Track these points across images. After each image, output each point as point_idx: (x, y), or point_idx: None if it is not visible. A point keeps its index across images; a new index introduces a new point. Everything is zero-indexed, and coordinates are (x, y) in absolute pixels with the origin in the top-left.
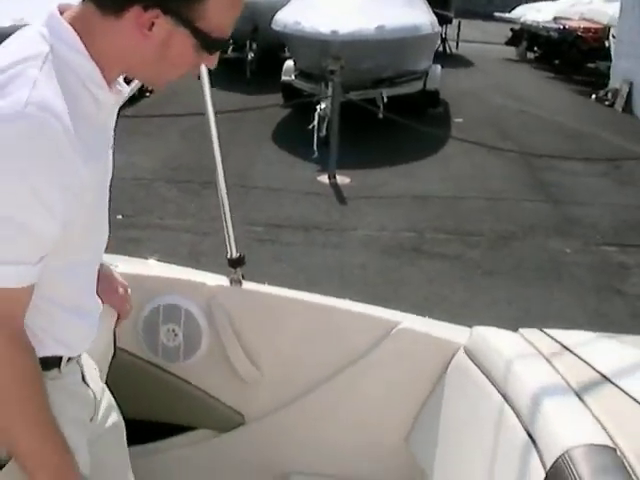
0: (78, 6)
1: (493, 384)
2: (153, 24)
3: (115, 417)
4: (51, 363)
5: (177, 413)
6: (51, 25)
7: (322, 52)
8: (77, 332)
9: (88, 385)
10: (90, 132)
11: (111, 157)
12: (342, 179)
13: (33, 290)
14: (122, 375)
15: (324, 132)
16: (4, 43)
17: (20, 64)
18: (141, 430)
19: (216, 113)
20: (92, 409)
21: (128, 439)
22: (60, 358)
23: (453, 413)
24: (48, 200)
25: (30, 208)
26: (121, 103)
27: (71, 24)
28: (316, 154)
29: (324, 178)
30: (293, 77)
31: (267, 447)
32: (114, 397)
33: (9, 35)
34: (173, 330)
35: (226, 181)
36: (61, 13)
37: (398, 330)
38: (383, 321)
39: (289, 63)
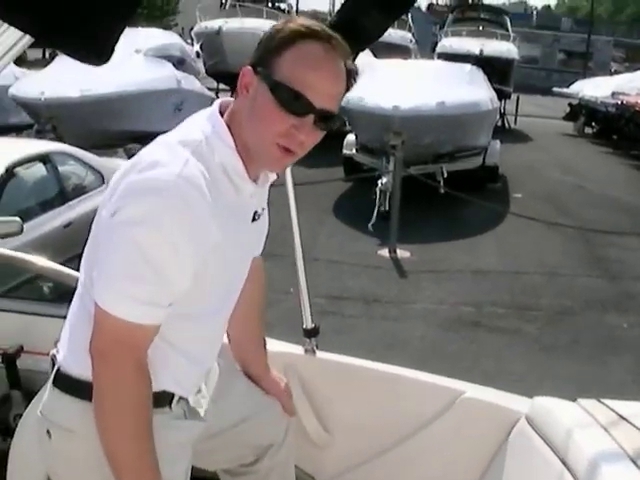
0: (233, 103)
1: (553, 451)
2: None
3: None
4: (164, 399)
5: None
6: (212, 120)
7: (384, 127)
8: (187, 375)
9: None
10: (226, 209)
11: (257, 235)
12: (402, 253)
13: (158, 329)
14: None
15: (385, 206)
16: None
17: (178, 145)
18: None
19: (294, 184)
20: (196, 432)
21: None
22: (172, 395)
23: (515, 479)
24: (184, 256)
25: (169, 261)
26: (265, 188)
27: (227, 121)
28: (376, 228)
29: (384, 252)
30: (354, 151)
31: None
32: None
33: (79, 105)
34: None
35: (303, 254)
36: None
37: (462, 399)
38: (448, 390)
39: (350, 137)
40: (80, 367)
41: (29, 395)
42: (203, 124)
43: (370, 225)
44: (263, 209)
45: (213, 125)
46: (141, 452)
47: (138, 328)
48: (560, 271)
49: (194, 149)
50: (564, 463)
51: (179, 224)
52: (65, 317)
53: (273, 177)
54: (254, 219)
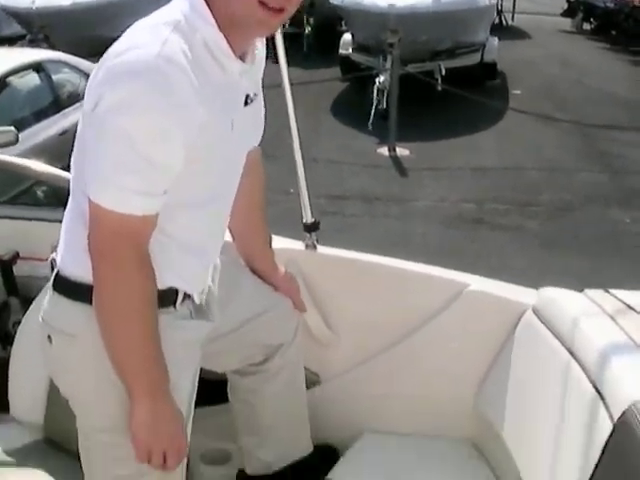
0: None
1: (561, 342)
2: None
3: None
4: (168, 298)
5: None
6: (191, 0)
7: (380, 25)
8: (190, 269)
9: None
10: (212, 88)
11: (252, 121)
12: (402, 151)
13: (157, 220)
14: None
15: (383, 105)
16: None
17: (157, 25)
18: (216, 391)
19: (291, 84)
20: (204, 333)
21: (200, 397)
22: (176, 293)
23: (521, 370)
24: (171, 138)
25: (157, 145)
26: (256, 69)
27: None
28: (374, 127)
29: (384, 150)
30: (351, 50)
31: (342, 406)
32: None
33: (70, 12)
34: None
35: (302, 149)
36: None
37: (468, 291)
38: (453, 283)
39: (347, 37)
40: (79, 269)
41: (27, 301)
42: (181, 5)
43: (370, 124)
44: (256, 94)
45: (192, 4)
46: (147, 352)
47: (135, 219)
48: (560, 166)
49: (174, 28)
50: (572, 353)
51: (161, 105)
52: (62, 221)
53: (261, 56)
54: (246, 103)
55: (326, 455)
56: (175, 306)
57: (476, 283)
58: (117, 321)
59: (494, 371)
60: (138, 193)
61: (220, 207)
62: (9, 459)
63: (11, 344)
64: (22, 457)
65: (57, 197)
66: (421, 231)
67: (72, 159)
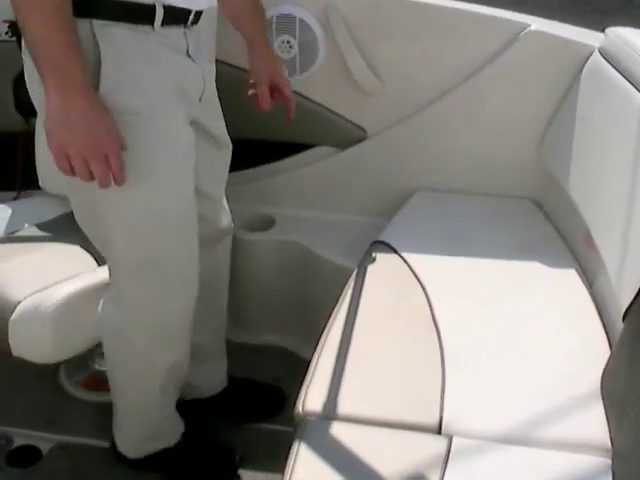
0: None
1: (634, 85)
2: None
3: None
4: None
5: (295, 131)
6: None
7: None
8: None
9: (194, 60)
10: None
11: None
12: None
13: None
14: (231, 89)
15: None
16: None
17: None
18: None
19: None
20: (201, 85)
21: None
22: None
23: (589, 119)
24: None
25: None
26: None
27: None
28: None
29: None
30: None
31: (391, 162)
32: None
33: None
34: (288, 42)
35: None
36: None
37: (527, 33)
38: (511, 24)
39: None
40: None
41: None
42: None
43: None
44: None
45: None
46: (52, 27)
47: None
48: None
49: None
50: None
51: None
52: None
53: None
54: None
55: None
56: (153, 26)
57: (536, 24)
58: None
59: (558, 120)
60: None
61: None
62: (42, 233)
63: (35, 115)
64: (55, 230)
65: None
66: None
67: None
